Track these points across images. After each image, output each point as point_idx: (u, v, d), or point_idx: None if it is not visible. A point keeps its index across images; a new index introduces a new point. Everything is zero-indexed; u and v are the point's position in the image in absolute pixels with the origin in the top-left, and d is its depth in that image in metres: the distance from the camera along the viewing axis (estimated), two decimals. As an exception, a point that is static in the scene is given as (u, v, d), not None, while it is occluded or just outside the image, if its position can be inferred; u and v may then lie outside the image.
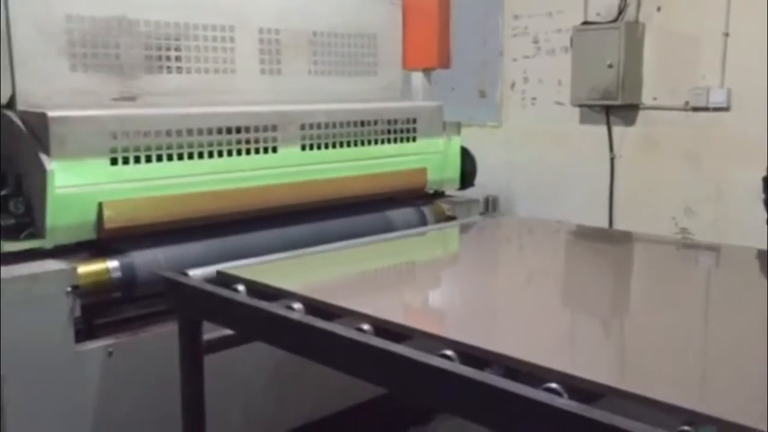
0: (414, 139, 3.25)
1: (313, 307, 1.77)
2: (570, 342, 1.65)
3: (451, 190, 3.51)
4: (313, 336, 1.64)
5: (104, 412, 2.23)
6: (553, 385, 1.25)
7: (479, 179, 3.64)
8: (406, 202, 3.20)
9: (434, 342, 1.51)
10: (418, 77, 3.51)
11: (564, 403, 1.18)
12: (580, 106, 4.93)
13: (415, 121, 3.24)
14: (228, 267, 2.09)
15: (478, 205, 3.60)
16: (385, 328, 1.60)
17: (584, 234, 2.94)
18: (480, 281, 2.20)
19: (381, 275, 2.36)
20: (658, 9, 4.60)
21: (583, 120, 5.03)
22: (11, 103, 2.28)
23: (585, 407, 1.14)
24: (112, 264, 2.27)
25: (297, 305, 1.78)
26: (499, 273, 2.37)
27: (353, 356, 1.54)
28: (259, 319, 1.77)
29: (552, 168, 5.19)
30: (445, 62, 3.37)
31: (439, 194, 3.44)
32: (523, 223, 3.39)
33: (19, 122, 2.24)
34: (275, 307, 1.75)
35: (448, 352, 1.42)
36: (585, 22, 4.83)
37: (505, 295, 2.02)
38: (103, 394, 2.22)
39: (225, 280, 2.01)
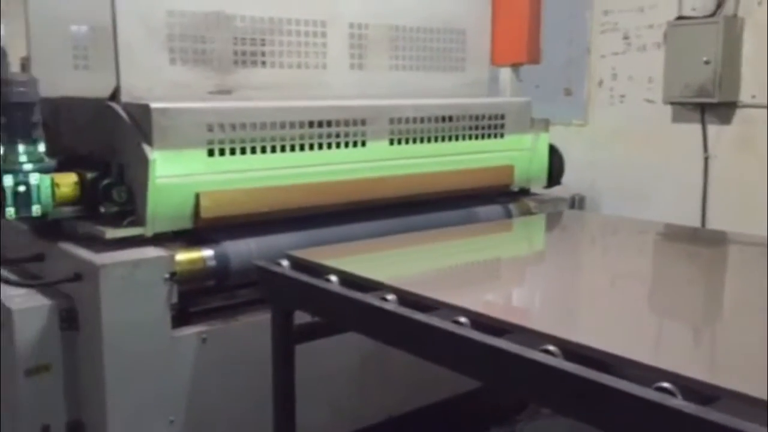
0: (501, 136, 3.20)
1: (406, 299, 1.76)
2: (673, 342, 1.59)
3: (538, 188, 3.45)
4: (409, 327, 1.63)
5: (197, 397, 2.29)
6: (666, 385, 1.19)
7: (564, 179, 3.57)
8: (491, 199, 3.16)
9: (532, 337, 1.47)
10: (505, 73, 3.47)
11: (679, 404, 1.13)
12: (673, 103, 4.76)
13: (503, 117, 3.20)
14: (318, 255, 2.11)
15: (564, 204, 3.52)
16: (481, 322, 1.57)
17: (677, 233, 2.83)
18: (571, 277, 2.14)
19: (469, 268, 2.33)
20: (759, 3, 4.39)
21: (676, 118, 4.85)
22: (115, 96, 2.36)
23: (704, 409, 1.09)
24: (207, 253, 2.33)
25: (390, 296, 1.77)
26: (590, 269, 2.30)
27: (451, 349, 1.53)
28: (353, 310, 1.78)
29: (640, 167, 5.03)
30: (534, 58, 3.31)
31: (524, 192, 3.38)
32: (611, 220, 3.29)
33: (123, 113, 2.31)
34: (370, 298, 1.75)
35: (551, 348, 1.39)
36: (680, 17, 4.66)
37: (599, 292, 1.96)
38: (196, 380, 2.28)
39: (317, 269, 2.02)
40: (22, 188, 2.16)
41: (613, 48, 5.19)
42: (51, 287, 2.29)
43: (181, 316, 2.30)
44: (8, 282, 2.23)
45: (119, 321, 2.12)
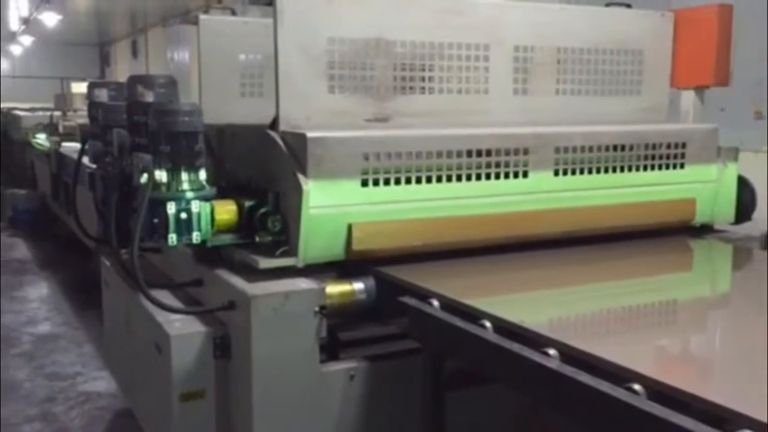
0: (682, 166, 2.88)
1: (570, 355, 1.56)
2: None
3: (723, 224, 3.08)
4: (570, 390, 1.43)
5: (342, 434, 2.21)
6: None
7: (755, 214, 3.16)
8: (668, 236, 2.85)
9: (721, 413, 1.23)
10: (688, 96, 3.14)
11: None
12: None
13: (684, 145, 2.88)
14: (471, 295, 1.96)
15: (755, 243, 3.11)
16: (660, 392, 1.34)
17: None
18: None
19: (642, 314, 2.07)
20: None
21: None
22: (274, 124, 2.37)
23: None
24: (358, 286, 2.25)
25: (552, 351, 1.58)
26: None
27: (622, 421, 1.31)
28: (508, 364, 1.60)
29: None
30: (723, 79, 2.97)
31: (707, 228, 3.03)
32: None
33: (280, 142, 2.31)
34: (528, 352, 1.58)
35: (748, 434, 1.14)
36: None
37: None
38: (342, 418, 2.20)
39: (469, 312, 1.87)
40: (183, 215, 2.20)
41: (815, 66, 4.62)
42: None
43: (330, 350, 2.24)
44: (165, 308, 2.28)
45: (268, 353, 2.09)
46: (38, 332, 5.49)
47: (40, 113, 10.53)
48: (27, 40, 27.07)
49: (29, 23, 23.06)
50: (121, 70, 25.26)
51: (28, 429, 3.84)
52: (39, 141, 8.44)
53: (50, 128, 8.76)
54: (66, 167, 6.31)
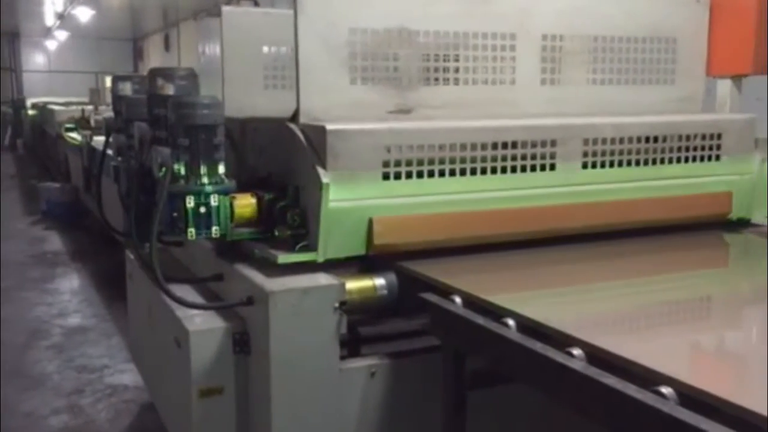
0: (718, 158, 2.77)
1: (596, 356, 1.49)
2: None
3: (761, 218, 2.96)
4: (595, 393, 1.37)
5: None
6: None
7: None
8: (703, 231, 2.74)
9: (758, 421, 1.16)
10: (724, 85, 3.02)
11: None
12: None
13: (719, 136, 2.77)
14: (495, 292, 1.89)
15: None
16: (691, 396, 1.27)
17: None
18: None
19: (673, 313, 1.99)
20: None
21: None
22: (295, 117, 2.32)
23: None
24: (379, 282, 2.20)
25: (577, 351, 1.52)
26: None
27: (649, 427, 1.25)
28: (531, 363, 1.54)
29: None
30: (761, 67, 2.85)
31: (744, 223, 2.91)
32: None
33: (300, 135, 2.26)
34: (551, 352, 1.51)
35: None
36: None
37: None
38: (362, 416, 2.16)
39: (492, 309, 1.81)
40: (202, 209, 2.17)
41: None
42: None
43: (350, 347, 2.19)
44: (183, 303, 2.26)
45: (287, 349, 2.05)
46: (68, 324, 5.54)
47: (74, 107, 10.68)
48: (62, 35, 27.53)
49: (64, 18, 23.44)
50: (154, 64, 25.51)
51: (55, 421, 3.87)
52: (71, 135, 8.54)
53: (82, 122, 8.86)
54: (96, 160, 6.36)
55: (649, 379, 1.35)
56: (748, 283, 2.38)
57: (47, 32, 27.67)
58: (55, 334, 5.31)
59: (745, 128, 2.82)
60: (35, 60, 29.77)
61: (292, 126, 2.30)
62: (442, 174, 2.33)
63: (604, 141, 2.56)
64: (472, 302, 1.87)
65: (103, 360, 4.73)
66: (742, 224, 2.89)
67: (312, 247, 2.18)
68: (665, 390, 1.30)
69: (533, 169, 2.45)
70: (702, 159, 2.74)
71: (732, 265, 2.67)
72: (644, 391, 1.30)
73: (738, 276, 2.47)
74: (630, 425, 1.31)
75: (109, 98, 4.07)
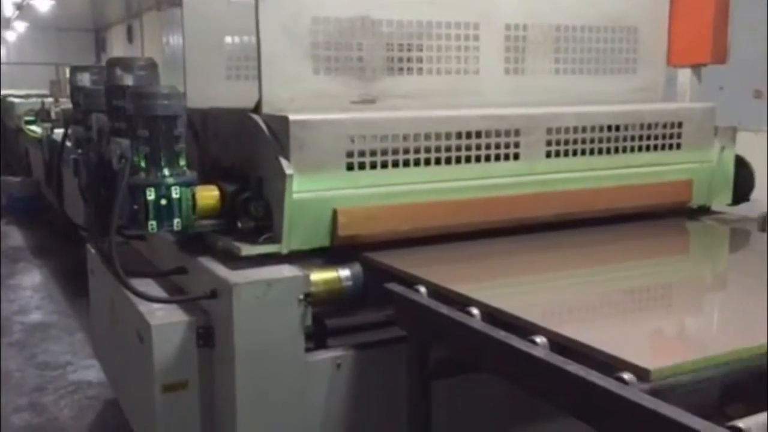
0: (678, 147, 2.81)
1: (559, 343, 1.50)
2: None
3: (720, 206, 3.01)
4: (559, 380, 1.38)
5: (329, 424, 2.15)
6: None
7: (754, 194, 3.10)
8: (663, 218, 2.78)
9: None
10: (684, 75, 3.06)
11: None
12: None
13: (680, 125, 2.81)
14: (459, 282, 1.90)
15: (753, 224, 3.05)
16: (652, 387, 1.29)
17: None
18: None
19: (636, 299, 2.02)
20: None
21: None
22: (257, 107, 2.29)
23: None
24: (344, 273, 2.19)
25: (540, 339, 1.52)
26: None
27: (612, 411, 1.26)
28: (495, 352, 1.55)
29: None
30: (720, 57, 2.89)
31: (704, 210, 2.96)
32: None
33: (263, 125, 2.24)
34: (515, 340, 1.52)
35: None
36: None
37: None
38: (328, 407, 2.15)
39: (456, 299, 1.81)
40: (163, 201, 2.14)
41: (815, 43, 4.53)
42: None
43: (315, 339, 2.18)
44: (145, 297, 2.22)
45: (251, 342, 2.03)
46: (30, 321, 5.44)
47: (34, 100, 10.43)
48: (21, 26, 26.89)
49: (22, 9, 22.89)
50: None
51: (17, 419, 3.79)
52: (31, 127, 8.35)
53: (42, 114, 8.67)
54: (57, 153, 6.23)
55: (611, 365, 1.36)
56: (708, 269, 2.42)
57: (5, 23, 27.01)
58: (16, 331, 5.20)
59: (705, 117, 2.87)
60: (-7, 52, 29.06)
61: (255, 117, 2.27)
62: (406, 164, 2.32)
63: (567, 130, 2.58)
64: (436, 292, 1.87)
65: (66, 356, 4.64)
66: (702, 212, 2.94)
67: (276, 239, 2.16)
68: (626, 376, 1.32)
69: (497, 158, 2.46)
70: (663, 147, 2.78)
71: (692, 253, 2.71)
72: (606, 377, 1.31)
73: (698, 263, 2.51)
74: (594, 411, 1.32)
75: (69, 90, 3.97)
